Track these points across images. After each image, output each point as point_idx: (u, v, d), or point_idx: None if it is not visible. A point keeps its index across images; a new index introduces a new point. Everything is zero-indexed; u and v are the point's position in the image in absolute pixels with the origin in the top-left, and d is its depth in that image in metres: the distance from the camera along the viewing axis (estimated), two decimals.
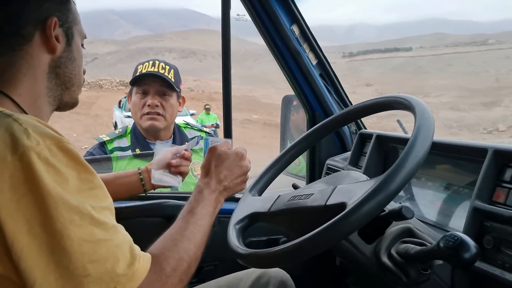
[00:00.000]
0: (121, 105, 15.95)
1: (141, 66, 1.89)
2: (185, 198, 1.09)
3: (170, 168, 1.38)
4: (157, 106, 1.85)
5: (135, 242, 0.77)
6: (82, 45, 0.97)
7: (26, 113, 0.82)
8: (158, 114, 1.85)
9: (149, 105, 1.84)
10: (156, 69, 1.85)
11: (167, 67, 1.88)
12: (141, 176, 1.40)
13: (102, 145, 1.92)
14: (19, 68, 0.84)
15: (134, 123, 1.98)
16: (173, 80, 1.86)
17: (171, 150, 1.41)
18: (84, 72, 0.98)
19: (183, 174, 1.40)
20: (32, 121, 0.73)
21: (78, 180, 0.71)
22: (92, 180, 0.73)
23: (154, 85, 1.85)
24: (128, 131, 1.96)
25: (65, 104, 0.95)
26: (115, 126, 15.08)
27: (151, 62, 1.88)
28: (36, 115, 0.82)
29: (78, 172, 0.71)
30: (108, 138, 1.93)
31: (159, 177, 1.37)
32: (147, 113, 1.85)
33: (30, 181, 0.65)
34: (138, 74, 1.87)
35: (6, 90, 0.83)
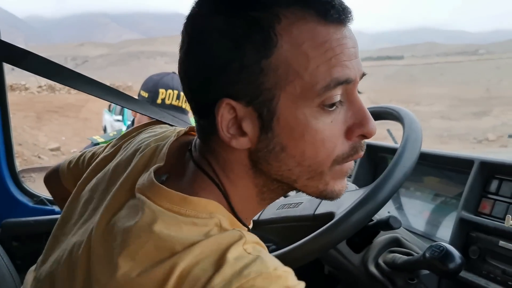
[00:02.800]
0: (111, 109, 15.84)
1: (164, 91, 1.82)
2: None
3: None
4: None
5: None
6: (331, 102, 0.55)
7: (243, 222, 0.61)
8: None
9: None
10: (180, 103, 1.83)
11: None
12: None
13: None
14: (224, 172, 0.60)
15: (128, 126, 1.98)
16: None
17: None
18: (365, 136, 0.58)
19: None
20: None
21: None
22: None
23: None
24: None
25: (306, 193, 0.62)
26: (105, 130, 14.99)
27: (175, 93, 1.83)
28: (244, 215, 0.62)
29: None
30: (102, 140, 1.93)
31: None
32: None
33: None
34: (159, 101, 1.81)
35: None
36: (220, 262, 0.50)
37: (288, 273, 0.52)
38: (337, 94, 0.54)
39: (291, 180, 0.59)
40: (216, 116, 0.55)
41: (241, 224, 0.60)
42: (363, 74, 0.58)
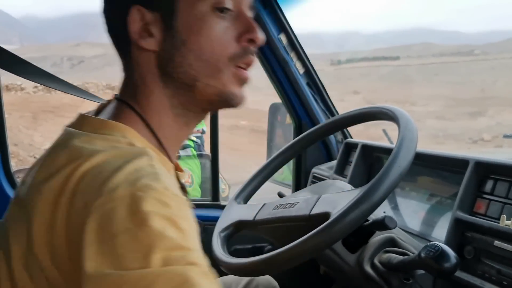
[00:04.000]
0: None
1: None
2: None
3: None
4: None
5: None
6: (220, 6, 0.65)
7: (155, 133, 0.67)
8: None
9: None
10: None
11: None
12: None
13: None
14: (133, 82, 0.68)
15: None
16: None
17: None
18: (253, 41, 0.68)
19: None
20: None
21: None
22: None
23: None
24: None
25: (208, 105, 0.69)
26: None
27: None
28: (164, 135, 0.68)
29: None
30: None
31: None
32: None
33: None
34: None
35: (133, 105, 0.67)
36: (119, 168, 0.54)
37: (178, 199, 0.54)
38: (227, 1, 0.65)
39: (192, 79, 0.65)
40: (127, 24, 0.63)
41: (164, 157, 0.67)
42: None
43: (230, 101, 0.69)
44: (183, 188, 0.70)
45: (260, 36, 0.68)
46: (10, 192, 1.71)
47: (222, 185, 2.47)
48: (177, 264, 0.47)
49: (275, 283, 1.29)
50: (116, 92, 0.72)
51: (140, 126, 0.66)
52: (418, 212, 1.26)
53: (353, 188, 1.00)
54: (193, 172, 2.95)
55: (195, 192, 2.90)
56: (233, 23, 0.67)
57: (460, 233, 1.03)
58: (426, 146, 1.31)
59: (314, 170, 1.72)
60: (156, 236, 0.48)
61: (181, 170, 0.74)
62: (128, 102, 0.67)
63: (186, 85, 0.66)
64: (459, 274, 0.99)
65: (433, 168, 1.24)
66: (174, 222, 0.50)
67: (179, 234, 0.49)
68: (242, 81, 0.69)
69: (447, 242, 1.02)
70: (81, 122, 0.67)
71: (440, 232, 1.12)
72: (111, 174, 0.53)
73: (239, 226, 1.09)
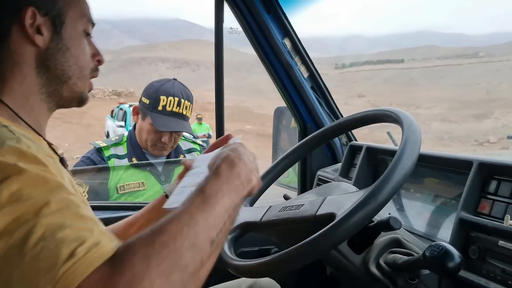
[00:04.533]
0: (113, 115, 15.90)
1: (165, 98, 1.86)
2: None
3: None
4: (170, 141, 1.91)
5: None
6: (87, 32, 0.88)
7: (17, 114, 0.80)
8: (168, 146, 1.93)
9: (163, 142, 1.89)
10: (181, 110, 1.87)
11: (189, 105, 1.91)
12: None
13: (99, 150, 1.93)
14: (4, 67, 0.80)
15: (130, 131, 2.00)
16: (190, 114, 1.93)
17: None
18: (100, 62, 0.92)
19: None
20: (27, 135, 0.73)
21: None
22: None
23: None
24: (124, 139, 1.98)
25: (67, 99, 0.87)
26: (107, 135, 15.02)
27: (176, 100, 1.87)
28: (30, 116, 0.81)
29: None
30: (104, 145, 1.95)
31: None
32: (159, 145, 1.91)
33: None
34: (160, 108, 1.85)
35: None
36: None
37: (37, 159, 0.65)
38: (90, 28, 0.89)
39: (67, 77, 0.84)
40: (22, 20, 0.78)
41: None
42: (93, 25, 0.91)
43: (84, 101, 0.91)
44: (61, 159, 0.85)
45: (103, 58, 0.93)
46: None
47: None
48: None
49: (277, 285, 1.30)
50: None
51: (4, 110, 0.79)
52: (423, 213, 1.27)
53: (358, 189, 1.02)
54: None
55: None
56: (89, 45, 0.90)
57: (464, 233, 1.04)
58: (432, 148, 1.32)
59: (319, 172, 1.73)
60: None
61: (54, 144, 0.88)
62: None
63: (60, 79, 0.84)
64: (464, 274, 1.00)
65: (437, 170, 1.25)
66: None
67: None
68: (91, 89, 0.92)
69: (452, 242, 1.03)
70: None
71: (445, 233, 1.13)
72: None
73: (245, 228, 1.10)
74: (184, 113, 1.88)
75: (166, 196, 1.10)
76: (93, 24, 0.91)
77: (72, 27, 0.84)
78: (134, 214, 1.14)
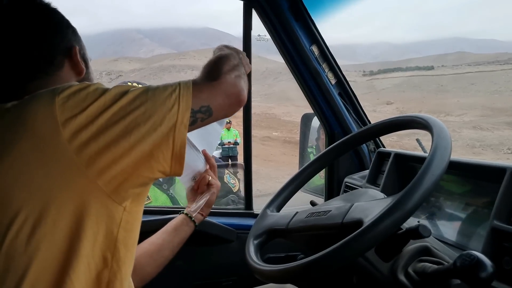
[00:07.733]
0: None
1: None
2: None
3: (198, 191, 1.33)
4: None
5: None
6: None
7: None
8: None
9: None
10: None
11: None
12: (189, 215, 1.31)
13: None
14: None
15: None
16: None
17: (189, 182, 1.33)
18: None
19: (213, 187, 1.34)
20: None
21: None
22: None
23: None
24: None
25: None
26: None
27: None
28: None
29: None
30: None
31: (196, 205, 1.32)
32: None
33: None
34: None
35: None
36: None
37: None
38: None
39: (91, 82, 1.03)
40: (72, 56, 0.98)
41: None
42: None
43: None
44: None
45: None
46: None
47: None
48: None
49: None
50: None
51: None
52: (453, 221, 1.24)
53: (385, 196, 1.00)
54: None
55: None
56: None
57: (497, 243, 1.01)
58: (463, 156, 1.29)
59: (346, 179, 1.72)
60: None
61: None
62: None
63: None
64: (497, 285, 0.97)
65: (469, 177, 1.22)
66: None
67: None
68: None
69: (484, 252, 1.00)
70: None
71: (476, 242, 1.10)
72: None
73: (272, 234, 1.10)
74: None
75: (186, 214, 1.30)
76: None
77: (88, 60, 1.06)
78: (154, 238, 1.25)
